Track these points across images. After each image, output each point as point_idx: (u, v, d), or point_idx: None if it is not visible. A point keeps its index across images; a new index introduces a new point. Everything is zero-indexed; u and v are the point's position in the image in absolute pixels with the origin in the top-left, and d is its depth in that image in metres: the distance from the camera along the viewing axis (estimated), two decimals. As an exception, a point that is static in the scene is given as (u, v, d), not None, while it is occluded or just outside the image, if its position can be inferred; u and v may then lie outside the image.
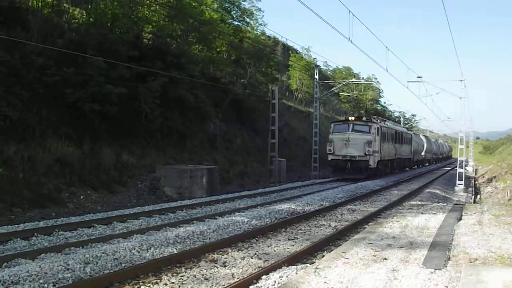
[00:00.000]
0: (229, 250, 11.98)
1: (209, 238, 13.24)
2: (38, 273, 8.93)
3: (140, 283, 9.24)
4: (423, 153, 68.78)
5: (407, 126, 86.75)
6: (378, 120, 40.34)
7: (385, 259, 9.54)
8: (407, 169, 54.00)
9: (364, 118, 39.91)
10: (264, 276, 9.30)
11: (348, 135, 35.92)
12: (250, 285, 8.90)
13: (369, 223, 15.82)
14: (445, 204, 21.23)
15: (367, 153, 35.41)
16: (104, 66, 23.96)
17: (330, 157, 36.40)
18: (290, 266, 9.90)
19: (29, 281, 8.67)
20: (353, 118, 38.21)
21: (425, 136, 79.88)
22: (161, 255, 11.05)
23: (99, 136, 24.57)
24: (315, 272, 8.52)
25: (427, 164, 75.41)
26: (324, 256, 10.87)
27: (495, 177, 50.73)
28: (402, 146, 49.03)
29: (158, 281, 9.37)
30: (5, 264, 9.72)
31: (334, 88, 55.71)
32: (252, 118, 42.84)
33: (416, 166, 63.30)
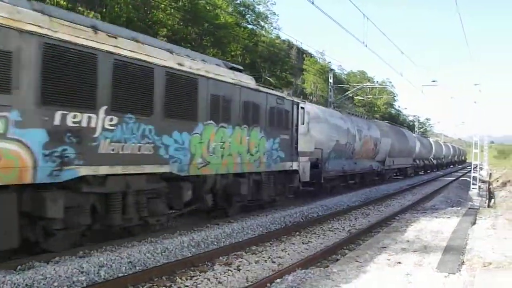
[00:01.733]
0: (243, 254, 12.01)
1: (223, 242, 13.26)
2: (52, 276, 8.96)
3: (154, 286, 9.28)
4: (382, 157, 37.20)
5: (421, 130, 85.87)
6: None
7: (399, 263, 9.53)
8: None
9: None
10: (278, 280, 9.31)
11: None
12: (264, 289, 8.91)
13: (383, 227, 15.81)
14: (459, 208, 21.13)
15: None
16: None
17: None
18: (303, 270, 9.91)
19: (44, 284, 8.69)
20: None
21: (391, 124, 47.60)
22: (175, 259, 11.09)
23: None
24: (328, 276, 8.52)
25: (397, 175, 46.58)
26: (338, 260, 10.88)
27: (509, 181, 50.26)
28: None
29: (172, 284, 9.41)
30: (19, 267, 9.77)
31: (349, 92, 55.56)
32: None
33: (351, 185, 30.15)
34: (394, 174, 45.09)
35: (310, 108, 24.13)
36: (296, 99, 20.82)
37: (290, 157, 19.41)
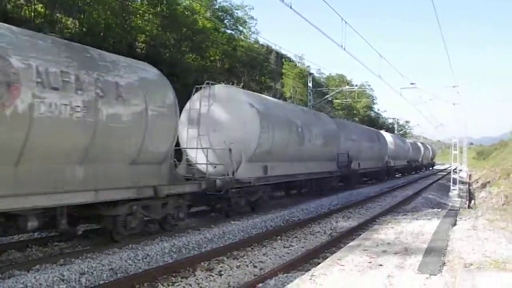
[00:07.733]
0: (225, 259, 11.99)
1: (204, 247, 13.23)
2: (33, 285, 8.89)
3: (136, 293, 9.24)
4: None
5: (401, 132, 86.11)
6: None
7: (381, 265, 9.55)
8: None
9: None
10: (259, 284, 9.30)
11: None
12: (246, 293, 8.90)
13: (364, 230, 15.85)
14: (439, 210, 21.24)
15: None
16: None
17: None
18: (285, 274, 9.90)
19: (24, 293, 8.64)
20: None
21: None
22: (156, 265, 11.04)
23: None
24: (310, 279, 8.51)
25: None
26: (319, 263, 10.88)
27: (489, 182, 50.60)
28: None
29: (154, 290, 9.38)
30: (0, 276, 9.68)
31: (328, 95, 55.74)
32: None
33: None
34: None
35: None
36: None
37: None
